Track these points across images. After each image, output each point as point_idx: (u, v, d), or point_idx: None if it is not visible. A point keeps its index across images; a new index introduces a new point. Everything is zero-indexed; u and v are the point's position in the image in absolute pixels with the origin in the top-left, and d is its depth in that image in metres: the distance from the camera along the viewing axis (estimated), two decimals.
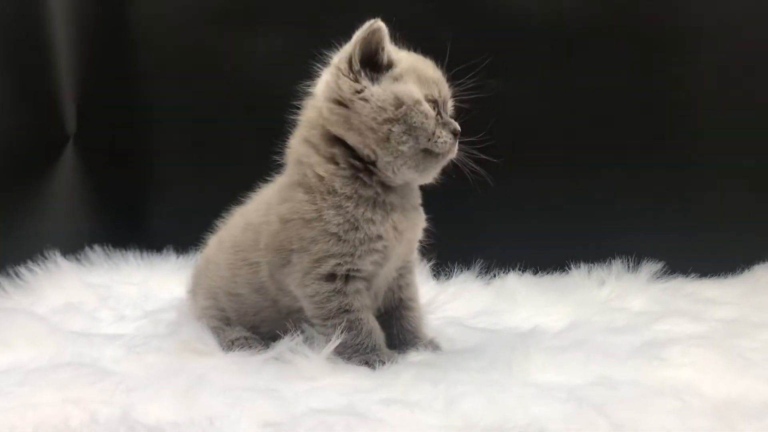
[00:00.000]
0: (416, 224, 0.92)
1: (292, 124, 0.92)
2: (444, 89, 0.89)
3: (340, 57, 0.87)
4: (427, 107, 0.84)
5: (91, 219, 1.57)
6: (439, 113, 0.86)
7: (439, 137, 0.85)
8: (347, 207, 0.84)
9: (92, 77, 1.58)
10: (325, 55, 0.90)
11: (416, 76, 0.86)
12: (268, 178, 0.98)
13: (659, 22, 1.48)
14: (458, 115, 0.92)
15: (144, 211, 1.62)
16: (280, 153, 0.93)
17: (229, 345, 0.91)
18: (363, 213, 0.84)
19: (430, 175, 0.90)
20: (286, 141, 0.93)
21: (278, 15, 1.55)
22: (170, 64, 1.61)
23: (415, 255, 0.97)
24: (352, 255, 0.84)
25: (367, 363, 0.83)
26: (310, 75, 0.91)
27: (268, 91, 1.54)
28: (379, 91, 0.83)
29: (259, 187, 0.99)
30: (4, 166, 1.38)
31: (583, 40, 1.50)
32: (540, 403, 0.67)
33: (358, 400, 0.68)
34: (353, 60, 0.84)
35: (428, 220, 0.95)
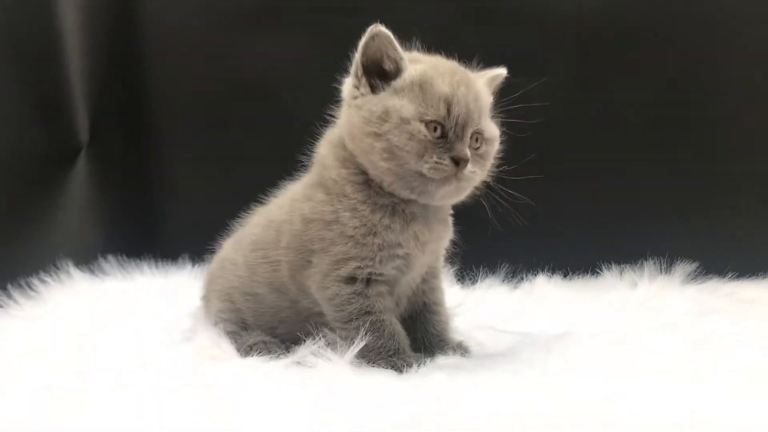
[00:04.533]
0: (442, 237, 0.88)
1: (309, 127, 0.90)
2: (460, 108, 0.78)
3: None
4: (415, 127, 0.76)
5: (104, 229, 1.54)
6: (444, 135, 0.78)
7: (427, 162, 0.76)
8: (363, 211, 0.81)
9: (104, 87, 1.55)
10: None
11: (420, 91, 0.78)
12: (282, 184, 0.95)
13: (694, 18, 1.44)
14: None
15: (158, 219, 1.59)
16: (306, 153, 0.91)
17: (247, 350, 0.86)
18: (380, 219, 0.81)
19: (435, 198, 0.81)
20: (305, 142, 0.90)
21: (291, 16, 1.53)
22: (183, 73, 1.58)
23: (441, 261, 0.94)
24: (372, 259, 0.81)
25: (393, 367, 0.78)
26: (326, 76, 0.87)
27: (282, 97, 1.54)
28: (373, 101, 0.79)
29: (276, 191, 0.96)
30: (17, 176, 1.36)
31: (610, 38, 1.46)
32: (588, 410, 0.62)
33: (390, 406, 0.63)
34: (357, 66, 0.81)
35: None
